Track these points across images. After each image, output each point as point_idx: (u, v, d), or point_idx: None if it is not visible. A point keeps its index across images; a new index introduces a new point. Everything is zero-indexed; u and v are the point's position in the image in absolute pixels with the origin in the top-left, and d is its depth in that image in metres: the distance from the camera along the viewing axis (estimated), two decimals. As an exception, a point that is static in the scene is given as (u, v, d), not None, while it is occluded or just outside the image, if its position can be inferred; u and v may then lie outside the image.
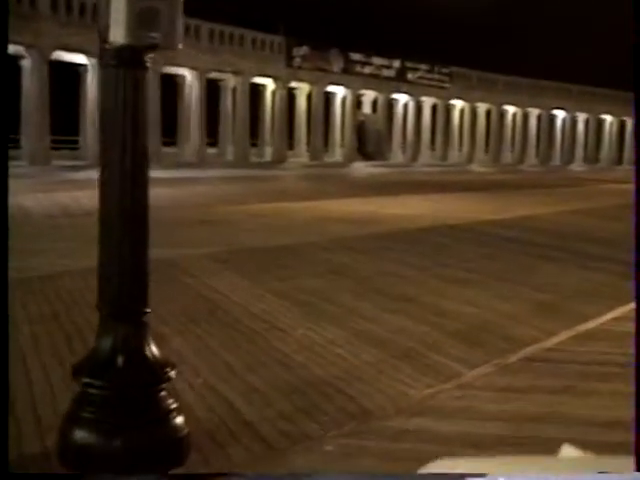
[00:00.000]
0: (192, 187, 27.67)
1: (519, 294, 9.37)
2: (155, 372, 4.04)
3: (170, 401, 4.08)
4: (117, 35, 3.87)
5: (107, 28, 3.91)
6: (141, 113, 4.15)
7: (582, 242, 14.40)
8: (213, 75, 50.54)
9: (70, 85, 45.30)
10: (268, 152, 55.93)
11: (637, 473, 2.03)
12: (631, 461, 2.14)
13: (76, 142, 46.20)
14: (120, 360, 3.97)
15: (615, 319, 7.76)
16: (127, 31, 3.86)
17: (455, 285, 9.88)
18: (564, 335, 7.16)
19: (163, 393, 4.07)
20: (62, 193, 22.43)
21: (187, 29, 46.27)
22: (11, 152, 41.68)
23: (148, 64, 4.15)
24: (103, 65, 4.19)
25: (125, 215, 4.07)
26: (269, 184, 30.82)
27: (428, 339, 7.07)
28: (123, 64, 4.04)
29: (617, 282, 9.67)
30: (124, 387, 3.96)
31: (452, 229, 15.73)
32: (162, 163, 45.43)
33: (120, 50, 3.99)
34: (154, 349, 4.07)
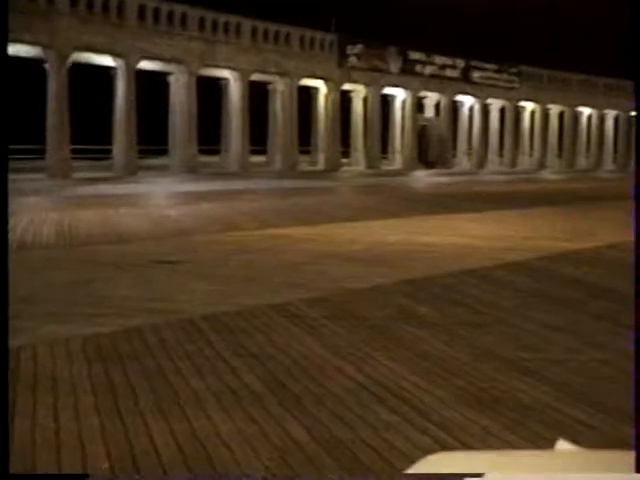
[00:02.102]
0: (209, 204, 23.49)
1: None
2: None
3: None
4: None
5: None
6: None
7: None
8: (257, 77, 46.41)
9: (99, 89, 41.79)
10: (321, 160, 51.63)
11: (637, 475, 1.89)
12: (630, 456, 1.98)
13: (108, 152, 42.51)
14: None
15: None
16: None
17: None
18: None
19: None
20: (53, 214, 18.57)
21: (226, 26, 42.30)
22: (35, 163, 38.66)
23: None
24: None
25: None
26: (307, 199, 26.41)
27: None
28: None
29: None
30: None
31: (510, 272, 11.10)
32: (199, 173, 41.81)
33: None
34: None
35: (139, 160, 44.40)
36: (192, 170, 41.77)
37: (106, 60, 39.38)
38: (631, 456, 1.99)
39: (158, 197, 27.37)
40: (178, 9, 41.11)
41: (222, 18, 43.31)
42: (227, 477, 4.27)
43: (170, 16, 40.79)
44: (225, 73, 45.32)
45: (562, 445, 2.31)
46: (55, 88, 35.87)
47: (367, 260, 11.92)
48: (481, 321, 7.90)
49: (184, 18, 41.44)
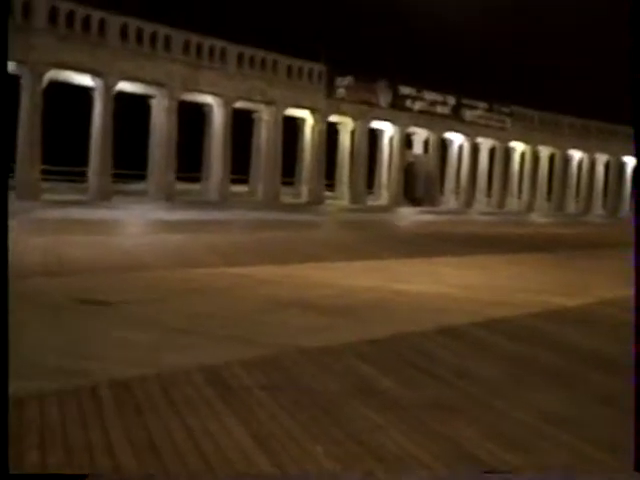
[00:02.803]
0: (175, 234, 21.97)
1: None
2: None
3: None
4: None
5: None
6: None
7: None
8: (242, 104, 45.06)
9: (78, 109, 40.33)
10: (304, 192, 50.19)
11: (637, 473, 2.04)
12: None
13: (82, 174, 40.97)
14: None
15: None
16: None
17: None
18: None
19: None
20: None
21: (212, 51, 40.98)
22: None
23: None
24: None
25: None
26: (284, 234, 24.92)
27: None
28: None
29: None
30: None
31: (494, 332, 9.58)
32: (177, 201, 40.25)
33: None
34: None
35: (116, 185, 42.98)
36: (169, 198, 40.23)
37: (85, 80, 37.98)
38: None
39: (124, 225, 25.80)
40: (162, 31, 39.78)
41: (207, 42, 41.99)
42: (230, 477, 4.16)
43: (153, 38, 39.46)
44: (208, 99, 43.97)
45: None
46: (28, 105, 34.38)
47: (333, 310, 10.36)
48: (455, 402, 6.34)
49: (168, 40, 40.11)
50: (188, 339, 8.19)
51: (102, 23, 36.98)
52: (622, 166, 71.79)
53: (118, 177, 45.38)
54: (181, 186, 47.27)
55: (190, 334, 8.44)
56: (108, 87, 37.56)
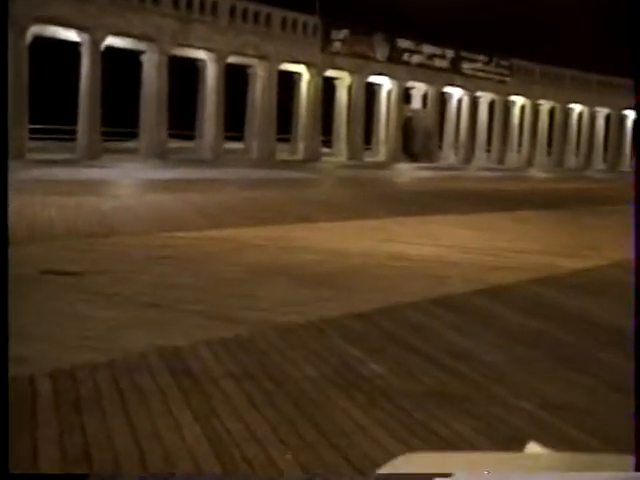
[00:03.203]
0: (162, 194, 21.07)
1: None
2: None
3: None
4: None
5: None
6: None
7: None
8: (235, 59, 43.82)
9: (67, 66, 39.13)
10: (301, 149, 49.09)
11: (637, 473, 1.91)
12: (628, 460, 1.97)
13: (73, 132, 39.84)
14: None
15: None
16: None
17: None
18: None
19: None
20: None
21: (202, 4, 39.67)
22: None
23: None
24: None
25: None
26: (275, 192, 23.95)
27: None
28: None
29: None
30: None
31: (495, 301, 8.71)
32: (169, 159, 39.25)
33: None
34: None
35: (108, 143, 42.04)
36: (161, 156, 39.18)
37: (72, 35, 36.75)
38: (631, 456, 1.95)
39: (109, 184, 24.80)
40: (150, -17, 38.45)
41: (198, -5, 40.64)
42: (229, 477, 4.05)
43: (141, -11, 38.13)
44: (201, 54, 42.70)
45: (532, 448, 2.45)
46: (13, 62, 33.19)
47: (317, 279, 9.49)
48: (453, 390, 5.49)
49: (157, -7, 38.80)
50: (155, 315, 7.34)
51: (88, -24, 35.64)
52: (622, 119, 70.59)
53: (110, 135, 44.56)
54: (175, 144, 46.29)
55: (158, 309, 7.59)
56: (95, 42, 36.31)
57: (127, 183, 25.67)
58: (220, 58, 42.07)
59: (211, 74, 42.69)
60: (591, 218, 20.19)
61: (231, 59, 43.47)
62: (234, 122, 49.34)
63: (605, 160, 71.02)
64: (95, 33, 36.08)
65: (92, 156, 36.02)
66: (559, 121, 66.33)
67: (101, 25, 36.09)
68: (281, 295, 8.49)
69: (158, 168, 32.89)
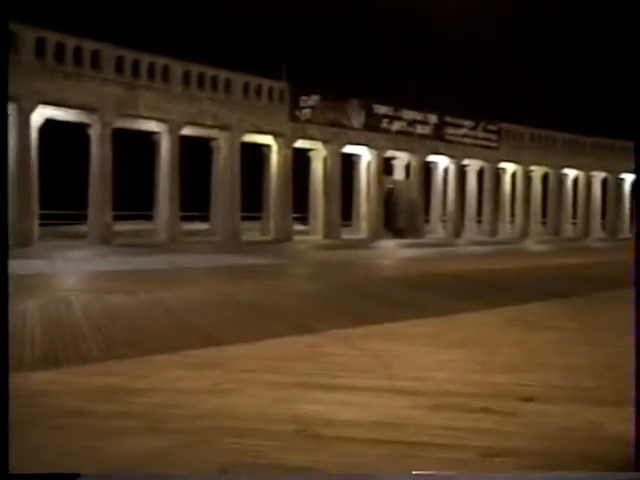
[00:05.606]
0: (49, 298, 15.96)
1: None
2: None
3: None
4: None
5: None
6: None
7: None
8: (192, 131, 39.23)
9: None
10: (272, 228, 44.31)
11: (637, 473, 1.90)
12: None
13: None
14: None
15: None
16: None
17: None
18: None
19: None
20: None
21: (151, 69, 35.13)
22: None
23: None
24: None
25: None
26: (201, 293, 18.85)
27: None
28: None
29: None
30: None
31: None
32: (112, 244, 34.35)
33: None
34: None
35: (54, 227, 37.46)
36: (105, 240, 34.29)
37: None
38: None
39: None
40: (88, 46, 33.89)
41: (146, 59, 36.13)
42: (226, 475, 4.22)
43: (77, 53, 33.52)
44: (152, 125, 38.08)
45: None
46: None
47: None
48: None
49: (96, 56, 34.19)
50: None
51: (14, 39, 31.08)
52: (620, 184, 66.33)
53: (62, 218, 40.43)
54: (132, 226, 41.84)
55: None
56: (23, 113, 31.64)
57: (28, 281, 20.51)
58: (173, 129, 37.44)
59: (165, 147, 38.04)
60: (614, 312, 14.92)
61: (189, 130, 38.92)
62: (201, 200, 45.21)
63: (604, 227, 66.61)
64: (22, 102, 31.41)
65: (22, 243, 31.13)
66: (553, 187, 62.02)
67: (30, 93, 31.45)
68: None
69: (91, 258, 27.88)
